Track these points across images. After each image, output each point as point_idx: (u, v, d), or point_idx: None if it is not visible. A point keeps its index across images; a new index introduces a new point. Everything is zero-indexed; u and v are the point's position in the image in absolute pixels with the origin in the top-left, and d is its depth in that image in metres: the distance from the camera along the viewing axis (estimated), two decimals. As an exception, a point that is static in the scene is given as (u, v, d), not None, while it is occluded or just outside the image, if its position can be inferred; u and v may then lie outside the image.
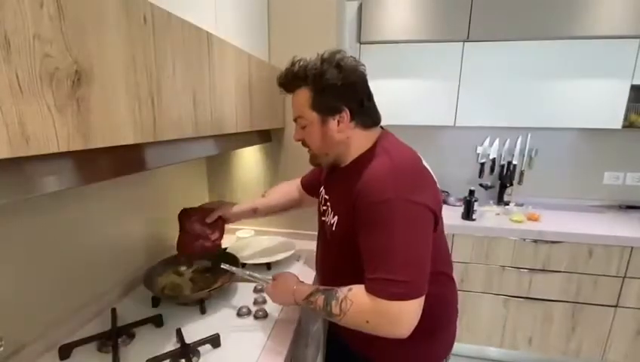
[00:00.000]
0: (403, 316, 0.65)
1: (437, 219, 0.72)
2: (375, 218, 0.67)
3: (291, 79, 0.79)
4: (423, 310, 0.73)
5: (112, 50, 0.50)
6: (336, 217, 0.80)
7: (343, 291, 0.71)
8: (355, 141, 0.78)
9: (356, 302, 0.68)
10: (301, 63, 0.78)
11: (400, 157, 0.73)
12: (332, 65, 0.74)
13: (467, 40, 1.83)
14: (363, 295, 0.67)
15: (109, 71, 0.50)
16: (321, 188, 0.95)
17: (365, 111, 0.78)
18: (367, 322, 0.67)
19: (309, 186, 1.14)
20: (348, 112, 0.75)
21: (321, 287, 0.77)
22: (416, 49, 1.89)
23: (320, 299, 0.74)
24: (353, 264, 0.72)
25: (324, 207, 0.87)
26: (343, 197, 0.77)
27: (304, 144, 0.84)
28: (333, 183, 0.87)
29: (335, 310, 0.71)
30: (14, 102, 0.38)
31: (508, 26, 1.77)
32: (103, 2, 0.48)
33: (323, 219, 0.88)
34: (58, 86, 0.42)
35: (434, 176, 0.77)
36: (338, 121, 0.76)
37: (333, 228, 0.80)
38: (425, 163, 0.78)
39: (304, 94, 0.77)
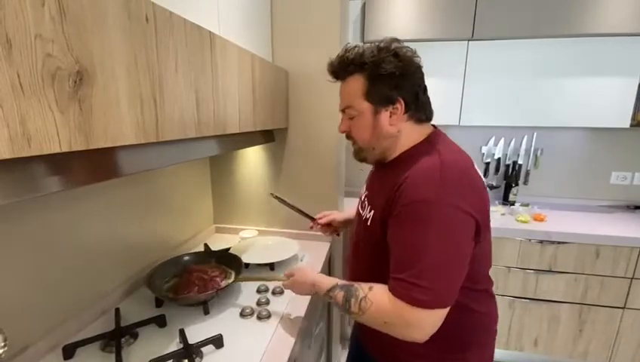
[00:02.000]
0: (422, 323, 0.63)
1: (480, 229, 0.66)
2: (412, 215, 0.64)
3: (345, 65, 0.74)
4: (460, 325, 0.73)
5: (114, 49, 0.50)
6: (372, 212, 0.76)
7: (363, 289, 0.70)
8: (406, 135, 0.75)
9: (376, 303, 0.67)
10: (356, 50, 0.73)
11: (450, 159, 0.68)
12: (390, 54, 0.70)
13: (472, 39, 1.81)
14: (383, 295, 0.66)
15: (111, 71, 0.50)
16: (364, 187, 0.91)
17: (420, 105, 0.75)
18: (385, 323, 0.66)
19: None
20: (403, 104, 0.71)
21: (340, 282, 0.76)
22: (420, 48, 1.82)
23: (339, 295, 0.73)
24: (385, 263, 0.70)
25: (363, 203, 0.84)
26: (382, 190, 0.73)
27: (348, 137, 0.80)
28: (375, 178, 0.84)
29: (354, 308, 0.69)
30: (16, 102, 0.38)
31: (513, 24, 1.75)
32: (105, 2, 0.48)
33: (361, 213, 0.84)
34: (60, 86, 0.42)
35: (484, 183, 0.73)
36: (391, 113, 0.72)
37: (368, 223, 0.76)
38: (477, 167, 0.73)
39: (357, 82, 0.72)
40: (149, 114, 0.59)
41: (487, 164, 2.17)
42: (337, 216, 1.16)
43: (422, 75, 0.76)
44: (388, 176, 0.74)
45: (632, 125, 1.76)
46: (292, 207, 1.21)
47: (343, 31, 1.47)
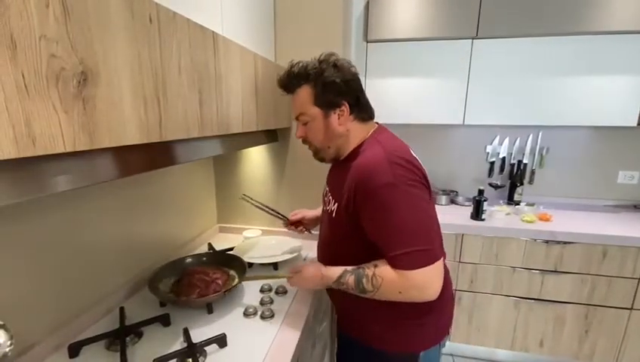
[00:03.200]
0: (429, 280, 0.72)
1: (430, 191, 0.79)
2: (381, 201, 0.72)
3: (292, 78, 0.85)
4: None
5: (118, 50, 0.50)
6: (336, 204, 0.85)
7: (370, 269, 0.77)
8: (354, 133, 0.86)
9: (385, 278, 0.74)
10: (300, 65, 0.84)
11: (391, 146, 0.79)
12: (330, 65, 0.82)
13: (476, 37, 1.80)
14: (389, 270, 0.73)
15: (114, 71, 0.50)
16: (325, 184, 1.00)
17: (362, 106, 0.86)
18: (400, 293, 0.74)
19: None
20: (347, 106, 0.83)
21: (349, 268, 0.81)
22: (424, 47, 1.86)
23: (350, 279, 0.79)
24: (350, 247, 0.83)
25: (326, 198, 0.94)
26: (341, 184, 0.83)
27: (304, 141, 0.91)
28: (333, 174, 0.94)
29: (368, 286, 0.76)
30: (21, 102, 0.38)
31: (518, 22, 1.73)
32: (109, 2, 0.48)
33: (326, 208, 0.94)
34: (64, 86, 0.42)
35: (422, 166, 0.82)
36: (339, 115, 0.83)
37: (333, 215, 0.86)
38: (413, 153, 0.83)
39: (305, 92, 0.84)
40: (152, 114, 0.59)
41: (492, 163, 2.15)
42: (307, 213, 1.22)
43: (359, 80, 0.86)
44: (344, 170, 0.83)
45: (639, 124, 1.73)
46: (263, 208, 1.23)
47: (346, 30, 1.47)
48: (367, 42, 1.94)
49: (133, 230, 1.11)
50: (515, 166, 2.10)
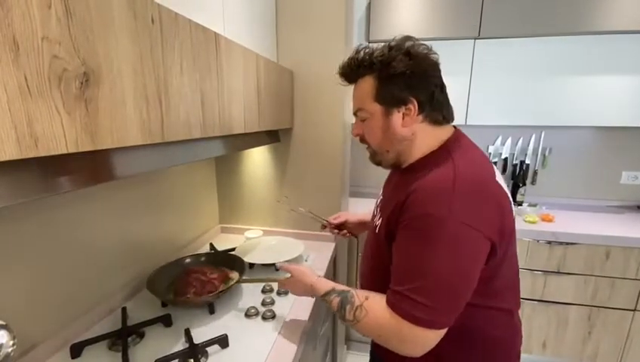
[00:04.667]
0: (417, 341, 0.61)
1: (495, 248, 0.62)
2: (420, 228, 0.61)
3: (355, 67, 0.72)
4: (475, 349, 0.71)
5: (120, 51, 0.50)
6: (381, 219, 0.74)
7: (359, 297, 0.69)
8: (421, 138, 0.70)
9: (371, 313, 0.66)
10: (367, 50, 0.71)
11: (467, 171, 0.63)
12: (401, 52, 0.68)
13: (478, 37, 1.79)
14: (380, 307, 0.65)
15: (117, 72, 0.50)
16: (380, 193, 0.89)
17: (435, 105, 0.70)
18: (380, 336, 0.66)
19: None
20: (416, 104, 0.68)
21: (338, 287, 0.75)
22: (425, 47, 1.86)
23: (335, 301, 0.72)
24: (388, 273, 0.68)
25: (375, 211, 0.84)
26: (392, 199, 0.70)
27: (362, 140, 0.77)
28: (390, 184, 0.82)
29: (349, 316, 0.68)
30: (23, 103, 0.38)
31: (520, 22, 1.73)
32: (111, 3, 0.48)
33: (374, 220, 0.82)
34: (66, 87, 0.42)
35: (508, 194, 0.67)
36: (404, 114, 0.69)
37: (377, 231, 0.75)
38: (498, 177, 0.67)
39: (368, 84, 0.70)
40: (154, 114, 0.59)
41: (495, 163, 2.14)
42: (350, 217, 1.13)
43: (439, 72, 0.72)
44: (401, 183, 0.72)
45: (642, 124, 1.72)
46: (302, 212, 1.23)
47: (348, 30, 1.46)
48: (369, 42, 1.93)
49: (136, 230, 1.11)
50: (518, 166, 2.10)
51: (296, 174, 1.53)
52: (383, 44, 0.71)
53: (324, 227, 1.16)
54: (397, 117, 0.69)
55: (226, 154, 1.40)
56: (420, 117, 0.69)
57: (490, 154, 2.16)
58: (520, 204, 2.05)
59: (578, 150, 2.07)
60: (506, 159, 2.12)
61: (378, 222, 0.76)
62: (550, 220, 1.81)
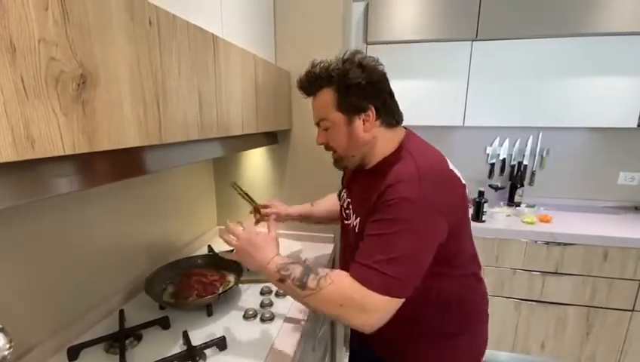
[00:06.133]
0: (377, 309, 0.65)
1: (455, 228, 0.71)
2: (392, 210, 0.67)
3: (313, 81, 0.78)
4: (450, 311, 0.79)
5: (118, 53, 0.50)
6: (358, 219, 0.79)
7: (324, 270, 0.72)
8: (381, 141, 0.78)
9: (337, 282, 0.68)
10: (322, 65, 0.77)
11: (425, 162, 0.72)
12: (354, 65, 0.74)
13: (475, 39, 1.80)
14: (345, 277, 0.68)
15: (114, 74, 0.50)
16: (343, 191, 0.95)
17: (389, 110, 0.77)
18: (341, 306, 0.67)
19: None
20: (374, 110, 0.74)
21: (303, 263, 0.76)
22: (423, 49, 1.87)
23: (297, 270, 0.72)
24: None
25: (347, 211, 0.88)
26: (365, 199, 0.75)
27: (327, 147, 0.82)
28: (356, 185, 0.86)
29: (311, 283, 0.69)
30: (19, 105, 0.38)
31: (517, 23, 1.74)
32: (108, 5, 0.48)
33: (346, 222, 0.88)
34: (63, 89, 0.42)
35: (461, 178, 0.76)
36: (364, 120, 0.75)
37: (356, 230, 0.80)
38: (452, 166, 0.76)
39: (328, 95, 0.76)
40: (152, 116, 0.59)
41: (492, 164, 2.15)
42: (281, 210, 1.18)
43: (387, 81, 0.78)
44: (369, 183, 0.76)
45: (639, 125, 1.73)
46: (240, 192, 1.23)
47: (346, 32, 1.47)
48: (367, 44, 1.94)
49: (133, 232, 1.11)
50: (516, 167, 2.10)
51: (295, 175, 1.53)
52: (335, 58, 0.78)
53: (254, 212, 1.20)
54: (358, 123, 0.76)
55: (224, 156, 1.40)
56: (378, 122, 0.76)
57: (488, 155, 2.16)
58: (518, 204, 2.06)
59: (575, 151, 2.08)
60: (504, 160, 2.13)
61: (355, 222, 0.81)
62: (548, 221, 1.81)
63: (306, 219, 1.22)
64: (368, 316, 0.66)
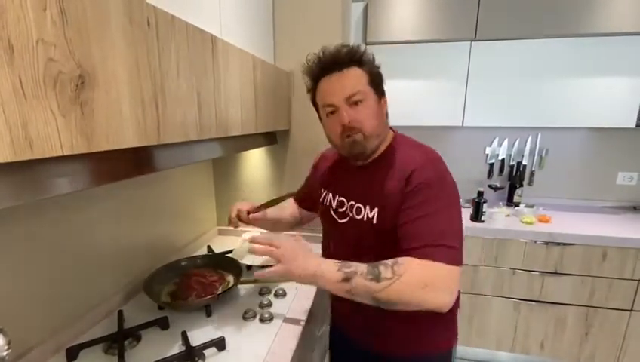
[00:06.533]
0: (455, 282, 0.67)
1: None
2: (427, 190, 0.70)
3: (345, 55, 0.75)
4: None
5: (116, 53, 0.50)
6: (375, 209, 0.78)
7: (387, 260, 0.68)
8: (388, 131, 0.82)
9: (410, 265, 0.65)
10: (346, 48, 0.77)
11: (428, 149, 0.80)
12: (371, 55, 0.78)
13: (474, 39, 1.81)
14: (412, 260, 0.66)
15: (112, 74, 0.50)
16: (325, 192, 0.94)
17: None
18: (425, 286, 0.64)
19: (303, 201, 1.12)
20: (387, 99, 0.80)
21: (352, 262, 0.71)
22: (422, 49, 1.87)
23: (362, 267, 0.67)
24: (397, 254, 0.70)
25: (342, 209, 0.87)
26: (383, 187, 0.77)
27: (350, 128, 0.75)
28: (352, 181, 0.86)
29: (386, 273, 0.65)
30: (18, 106, 0.38)
31: (516, 24, 1.74)
32: (107, 6, 0.48)
33: (342, 221, 0.86)
34: (61, 90, 0.42)
35: None
36: (385, 106, 0.80)
37: (374, 222, 0.77)
38: None
39: (358, 72, 0.76)
40: (150, 117, 0.59)
41: (491, 164, 2.15)
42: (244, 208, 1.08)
43: None
44: (377, 174, 0.79)
45: (637, 125, 1.74)
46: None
47: (345, 32, 1.47)
48: (366, 45, 1.94)
49: (132, 232, 1.11)
50: (515, 167, 2.11)
51: (294, 176, 1.53)
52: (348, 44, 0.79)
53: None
54: (384, 105, 0.80)
55: (224, 156, 1.40)
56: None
57: (487, 155, 2.17)
58: (517, 205, 2.06)
59: (574, 151, 2.09)
60: (503, 160, 2.13)
61: (371, 213, 0.78)
62: (547, 221, 1.81)
63: (276, 225, 1.13)
64: (450, 292, 0.66)
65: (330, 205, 0.91)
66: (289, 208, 1.15)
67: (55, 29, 0.41)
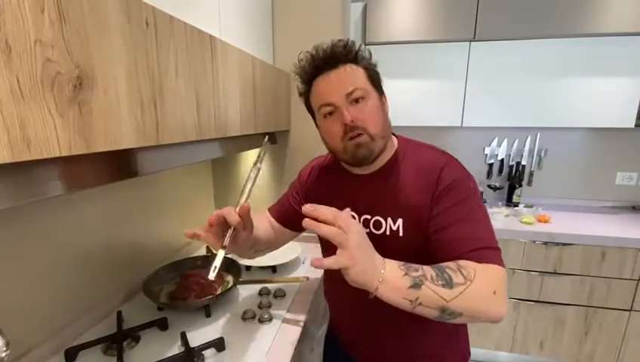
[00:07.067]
0: (506, 285, 0.61)
1: None
2: (460, 191, 0.66)
3: (337, 53, 0.68)
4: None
5: (114, 54, 0.50)
6: (400, 220, 0.70)
7: (447, 264, 0.58)
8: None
9: (475, 270, 0.57)
10: (341, 43, 0.69)
11: (438, 149, 0.76)
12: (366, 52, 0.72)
13: (474, 40, 1.81)
14: (475, 263, 0.58)
15: (111, 75, 0.50)
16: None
17: None
18: (494, 293, 0.56)
19: (287, 218, 0.92)
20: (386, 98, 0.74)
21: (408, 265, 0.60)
22: (421, 49, 1.87)
23: (427, 268, 0.56)
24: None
25: (368, 218, 0.75)
26: (405, 195, 0.69)
27: (352, 128, 0.67)
28: (368, 190, 0.75)
29: (457, 278, 0.55)
30: (15, 106, 0.38)
31: (515, 24, 1.74)
32: (105, 7, 0.48)
33: (374, 233, 0.74)
34: (59, 90, 0.42)
35: None
36: (386, 105, 0.74)
37: (401, 234, 0.70)
38: None
39: (355, 69, 0.69)
40: (149, 117, 0.59)
41: (491, 165, 2.16)
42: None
43: None
44: (392, 179, 0.72)
45: (637, 125, 1.74)
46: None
47: (345, 33, 1.47)
48: (365, 45, 1.94)
49: (131, 233, 1.10)
50: (514, 167, 2.11)
51: (293, 176, 1.52)
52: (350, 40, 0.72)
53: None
54: (386, 103, 0.73)
55: (223, 157, 1.40)
56: None
57: (486, 155, 2.17)
58: (516, 205, 2.06)
59: (573, 151, 2.09)
60: (502, 160, 2.13)
61: (396, 225, 0.70)
62: (546, 221, 1.82)
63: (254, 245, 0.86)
64: (506, 297, 0.60)
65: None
66: (262, 225, 0.90)
67: (53, 30, 0.41)
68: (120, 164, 0.61)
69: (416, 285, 0.54)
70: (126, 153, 0.61)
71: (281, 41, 1.41)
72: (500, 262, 0.61)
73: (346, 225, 0.54)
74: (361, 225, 0.69)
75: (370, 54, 0.72)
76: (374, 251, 0.57)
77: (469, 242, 0.61)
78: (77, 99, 0.45)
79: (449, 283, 0.54)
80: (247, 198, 0.73)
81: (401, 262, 0.57)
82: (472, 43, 1.82)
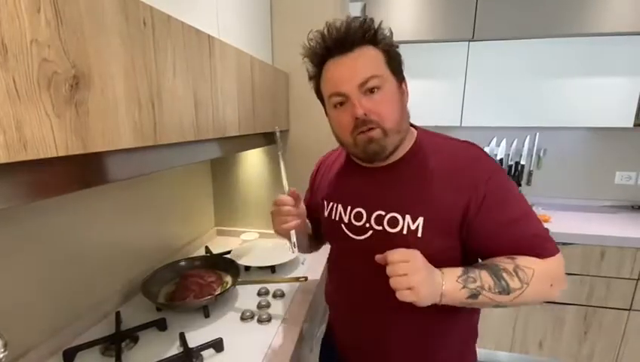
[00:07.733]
0: (564, 267, 0.62)
1: None
2: (501, 184, 0.62)
3: (352, 33, 0.61)
4: (465, 316, 0.69)
5: (111, 54, 0.50)
6: (420, 219, 0.62)
7: (504, 262, 0.58)
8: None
9: (537, 269, 0.58)
10: (357, 22, 0.62)
11: (465, 141, 0.71)
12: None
13: (472, 39, 1.81)
14: (535, 259, 0.59)
15: (108, 75, 0.50)
16: (330, 205, 0.77)
17: None
18: (551, 286, 0.60)
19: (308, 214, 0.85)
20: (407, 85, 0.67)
21: (466, 267, 0.59)
22: (420, 49, 1.87)
23: (484, 275, 0.57)
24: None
25: (359, 222, 0.69)
26: (429, 191, 0.63)
27: (364, 123, 0.61)
28: (382, 184, 0.68)
29: (515, 283, 0.56)
30: (11, 107, 0.38)
31: (513, 24, 1.74)
32: (102, 6, 0.48)
33: (359, 237, 0.69)
34: (56, 91, 0.42)
35: None
36: (406, 93, 0.67)
37: (419, 234, 0.62)
38: None
39: (373, 52, 0.62)
40: (147, 117, 0.59)
41: (490, 164, 2.15)
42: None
43: None
44: (412, 173, 0.65)
45: (635, 125, 1.74)
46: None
47: (343, 33, 1.47)
48: (365, 45, 1.94)
49: (130, 233, 1.10)
50: (513, 167, 2.11)
51: (293, 176, 1.52)
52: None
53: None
54: (405, 92, 0.67)
55: (222, 157, 1.40)
56: None
57: (485, 155, 2.17)
58: (515, 204, 2.06)
59: (572, 151, 2.09)
60: (501, 160, 2.13)
61: (414, 224, 0.63)
62: (546, 221, 1.82)
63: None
64: (565, 278, 0.62)
65: (341, 219, 0.73)
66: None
67: (49, 30, 0.41)
68: (118, 165, 0.61)
69: (473, 296, 0.56)
70: (124, 153, 0.61)
71: (279, 41, 1.41)
72: (555, 249, 0.61)
73: (410, 256, 0.56)
74: (374, 222, 0.67)
75: (392, 33, 0.64)
76: (433, 270, 0.57)
77: (525, 242, 0.60)
78: (74, 99, 0.45)
79: (506, 290, 0.56)
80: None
81: (459, 272, 0.58)
82: (470, 43, 1.82)
